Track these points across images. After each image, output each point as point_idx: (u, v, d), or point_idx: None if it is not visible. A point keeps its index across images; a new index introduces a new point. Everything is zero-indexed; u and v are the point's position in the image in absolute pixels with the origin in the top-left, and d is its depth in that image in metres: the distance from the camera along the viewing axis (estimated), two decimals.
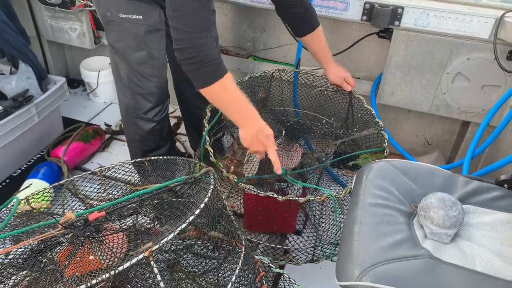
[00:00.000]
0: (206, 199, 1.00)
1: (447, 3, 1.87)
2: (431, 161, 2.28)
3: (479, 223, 1.07)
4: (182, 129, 2.50)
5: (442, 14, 1.82)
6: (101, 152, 2.42)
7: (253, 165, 1.69)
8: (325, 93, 1.93)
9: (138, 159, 1.44)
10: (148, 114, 1.75)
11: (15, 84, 2.14)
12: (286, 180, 1.61)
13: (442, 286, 0.90)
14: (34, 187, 1.94)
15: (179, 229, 0.90)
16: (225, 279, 1.25)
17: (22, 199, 1.29)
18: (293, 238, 1.77)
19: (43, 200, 1.39)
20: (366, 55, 2.20)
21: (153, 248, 0.87)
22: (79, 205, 1.44)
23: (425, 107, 2.07)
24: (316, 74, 1.97)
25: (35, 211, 1.24)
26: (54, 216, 1.08)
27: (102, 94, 2.84)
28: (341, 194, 1.43)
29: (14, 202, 1.22)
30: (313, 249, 1.67)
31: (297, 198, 1.41)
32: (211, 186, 1.08)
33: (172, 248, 1.36)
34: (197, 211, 0.96)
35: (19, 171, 2.23)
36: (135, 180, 1.46)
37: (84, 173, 1.43)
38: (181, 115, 2.26)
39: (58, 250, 1.09)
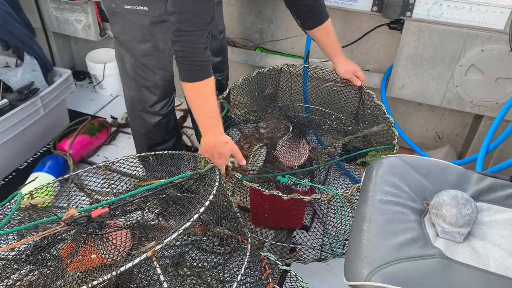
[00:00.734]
0: (211, 196, 0.98)
1: None
2: (442, 155, 2.23)
3: (493, 222, 1.03)
4: (188, 122, 2.49)
5: (456, 4, 1.76)
6: (107, 145, 2.41)
7: (259, 158, 1.67)
8: (334, 88, 1.88)
9: (143, 154, 1.41)
10: (154, 107, 1.72)
11: (21, 76, 2.13)
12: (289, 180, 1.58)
13: (455, 287, 0.87)
14: (40, 181, 1.94)
15: (183, 227, 0.88)
16: (231, 276, 1.23)
17: (25, 194, 1.28)
18: (300, 236, 1.74)
19: (47, 194, 1.38)
20: (376, 47, 2.15)
21: (156, 248, 0.85)
22: (84, 200, 1.43)
23: (437, 100, 2.02)
24: (326, 69, 1.92)
25: (38, 205, 1.23)
26: (57, 212, 1.07)
27: (108, 87, 2.82)
28: (348, 192, 1.40)
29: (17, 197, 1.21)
30: (320, 247, 1.64)
31: (302, 197, 1.38)
32: (216, 183, 1.05)
33: (177, 244, 1.34)
34: (201, 209, 0.93)
35: (25, 164, 2.23)
36: (139, 174, 1.44)
37: (88, 167, 1.41)
38: (187, 108, 2.24)
39: (61, 248, 1.08)
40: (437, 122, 2.28)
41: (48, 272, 1.09)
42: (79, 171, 1.40)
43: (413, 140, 2.22)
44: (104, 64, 2.71)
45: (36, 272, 1.09)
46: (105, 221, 1.08)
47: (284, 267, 1.45)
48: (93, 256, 0.99)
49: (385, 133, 1.67)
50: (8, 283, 1.08)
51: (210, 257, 1.31)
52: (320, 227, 1.77)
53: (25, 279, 1.09)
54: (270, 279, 1.15)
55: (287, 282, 1.48)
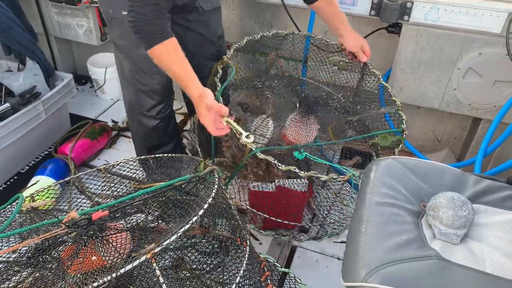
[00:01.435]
0: (210, 199, 0.99)
1: None
2: (441, 158, 2.24)
3: (490, 223, 1.04)
4: (189, 125, 2.50)
5: (453, 8, 1.78)
6: (108, 148, 2.42)
7: (268, 129, 1.60)
8: (340, 63, 1.80)
9: (143, 157, 1.43)
10: (151, 111, 1.74)
11: (23, 81, 2.15)
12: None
13: None
14: (41, 184, 1.95)
15: (182, 230, 0.89)
16: (230, 278, 1.24)
17: (27, 196, 1.29)
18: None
19: (48, 197, 1.39)
20: (374, 50, 2.16)
21: (156, 250, 0.86)
22: (85, 202, 1.44)
23: (435, 103, 2.04)
24: (331, 42, 1.83)
25: (39, 208, 1.24)
26: (58, 214, 1.08)
27: (109, 91, 2.84)
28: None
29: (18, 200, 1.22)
30: (319, 227, 1.59)
31: (319, 175, 1.30)
32: (215, 186, 1.06)
33: (177, 246, 1.35)
34: (200, 212, 0.94)
35: (27, 167, 2.25)
36: (139, 177, 1.45)
37: (89, 170, 1.42)
38: (187, 112, 2.25)
39: (61, 250, 1.09)
40: (436, 125, 2.29)
41: (49, 274, 1.10)
42: (80, 173, 1.42)
43: (412, 143, 2.23)
44: (105, 68, 2.73)
45: (37, 274, 1.09)
46: (105, 223, 1.09)
47: (283, 269, 1.46)
48: (94, 258, 1.00)
49: (393, 117, 1.62)
50: (10, 285, 1.09)
51: (209, 259, 1.32)
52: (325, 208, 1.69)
53: (26, 281, 1.10)
54: (269, 281, 1.16)
55: (286, 284, 1.49)
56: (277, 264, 1.43)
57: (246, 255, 1.12)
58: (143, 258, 0.86)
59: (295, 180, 1.65)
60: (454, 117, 2.21)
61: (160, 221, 1.28)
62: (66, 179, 1.44)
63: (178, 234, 0.89)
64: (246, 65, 1.74)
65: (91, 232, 1.01)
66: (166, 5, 1.32)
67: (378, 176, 1.16)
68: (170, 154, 1.41)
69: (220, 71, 1.58)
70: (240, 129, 1.28)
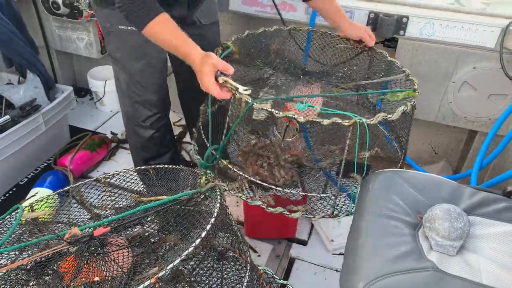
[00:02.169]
0: (212, 220, 1.00)
1: (453, 12, 1.87)
2: (438, 170, 2.26)
3: (486, 235, 1.05)
4: (187, 137, 2.52)
5: (448, 23, 1.81)
6: (107, 160, 2.43)
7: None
8: (341, 52, 1.75)
9: (143, 167, 1.43)
10: (146, 121, 1.76)
11: (23, 93, 2.17)
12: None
13: None
14: (40, 196, 1.95)
15: (185, 253, 0.90)
16: None
17: (26, 206, 1.29)
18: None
19: (47, 207, 1.40)
20: None
21: (159, 275, 0.87)
22: (83, 214, 1.44)
23: (432, 116, 2.06)
24: (334, 33, 1.79)
25: (39, 218, 1.25)
26: (58, 227, 1.08)
27: (109, 103, 2.86)
28: (372, 120, 1.21)
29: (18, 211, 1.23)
30: (334, 198, 1.39)
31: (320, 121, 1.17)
32: (217, 204, 1.07)
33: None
34: (203, 234, 0.95)
35: (26, 179, 2.25)
36: (139, 188, 1.45)
37: (87, 180, 1.43)
38: (186, 124, 2.27)
39: (60, 265, 1.09)
40: (432, 137, 2.31)
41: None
42: (79, 183, 1.42)
43: (409, 154, 2.25)
44: (105, 81, 2.75)
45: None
46: (106, 238, 1.09)
47: (282, 282, 1.46)
48: (97, 278, 1.00)
49: (403, 83, 1.56)
50: None
51: (208, 271, 1.32)
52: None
53: None
54: None
55: None
56: (275, 276, 1.43)
57: (247, 273, 1.12)
58: (147, 283, 0.86)
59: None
60: (451, 129, 2.24)
61: (160, 233, 1.28)
62: (65, 188, 1.44)
63: (182, 257, 0.89)
64: (247, 51, 1.69)
65: (93, 248, 1.02)
66: None
67: (376, 188, 1.18)
68: (169, 166, 1.41)
69: (220, 51, 1.52)
70: (237, 85, 1.24)
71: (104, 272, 1.00)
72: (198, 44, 1.81)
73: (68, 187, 1.44)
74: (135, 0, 1.28)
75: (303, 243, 1.91)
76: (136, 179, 1.47)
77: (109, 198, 1.43)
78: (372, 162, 1.38)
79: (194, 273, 1.32)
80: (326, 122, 1.18)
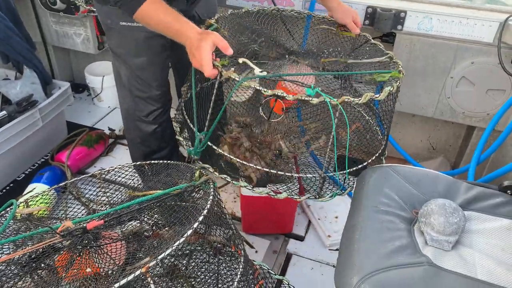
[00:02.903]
0: (205, 212, 0.99)
1: (450, 7, 1.86)
2: (436, 166, 2.26)
3: (481, 230, 1.05)
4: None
5: (446, 18, 1.80)
6: (104, 156, 2.43)
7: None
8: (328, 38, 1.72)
9: (138, 163, 1.43)
10: (149, 116, 1.75)
11: (20, 89, 2.16)
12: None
13: None
14: (36, 192, 1.95)
15: (176, 244, 0.89)
16: (224, 286, 1.24)
17: (21, 202, 1.29)
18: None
19: (42, 203, 1.39)
20: None
21: (150, 264, 0.86)
22: (80, 208, 1.44)
23: (429, 111, 2.05)
24: (327, 18, 1.74)
25: (34, 213, 1.24)
26: (53, 222, 1.08)
27: (106, 99, 2.85)
28: (360, 100, 1.19)
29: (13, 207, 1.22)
30: (322, 180, 1.39)
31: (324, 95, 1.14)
32: (210, 197, 1.06)
33: (172, 253, 1.34)
34: (195, 224, 0.95)
35: (23, 175, 2.25)
36: (135, 183, 1.45)
37: (83, 176, 1.43)
38: None
39: (56, 259, 1.09)
40: (430, 133, 2.31)
41: (42, 283, 1.10)
42: (75, 178, 1.42)
43: (407, 150, 2.25)
44: (103, 76, 2.75)
45: (30, 283, 1.09)
46: (100, 232, 1.09)
47: (278, 277, 1.46)
48: (88, 270, 1.00)
49: (388, 65, 1.53)
50: None
51: (204, 267, 1.32)
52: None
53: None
54: None
55: None
56: (271, 272, 1.43)
57: (241, 266, 1.12)
58: (137, 272, 0.85)
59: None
60: (449, 125, 2.23)
61: (154, 228, 1.28)
62: (61, 184, 1.44)
63: (173, 248, 0.89)
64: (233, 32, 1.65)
65: (86, 242, 1.01)
66: None
67: (372, 183, 1.17)
68: (166, 161, 1.41)
69: (204, 29, 1.45)
70: (253, 65, 1.24)
71: (97, 264, 0.99)
72: None
73: (63, 183, 1.44)
74: None
75: (300, 238, 1.91)
76: (132, 175, 1.47)
77: (105, 194, 1.43)
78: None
79: (190, 268, 1.32)
80: (315, 100, 1.16)
